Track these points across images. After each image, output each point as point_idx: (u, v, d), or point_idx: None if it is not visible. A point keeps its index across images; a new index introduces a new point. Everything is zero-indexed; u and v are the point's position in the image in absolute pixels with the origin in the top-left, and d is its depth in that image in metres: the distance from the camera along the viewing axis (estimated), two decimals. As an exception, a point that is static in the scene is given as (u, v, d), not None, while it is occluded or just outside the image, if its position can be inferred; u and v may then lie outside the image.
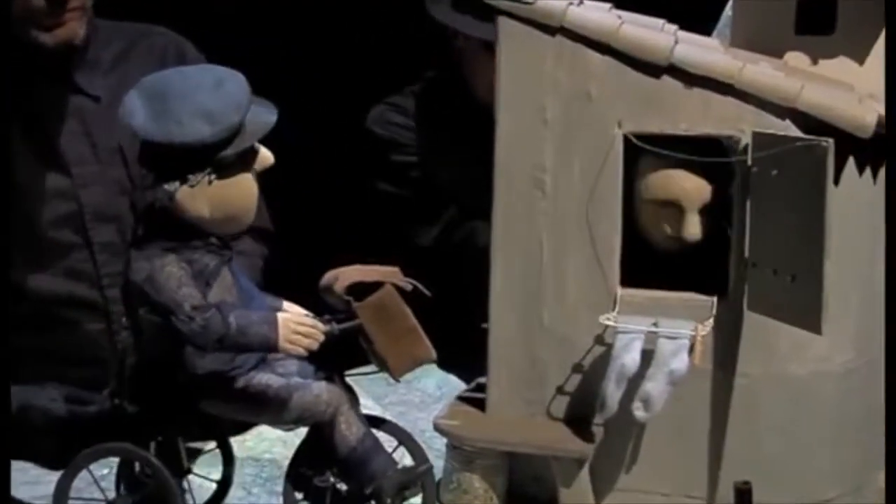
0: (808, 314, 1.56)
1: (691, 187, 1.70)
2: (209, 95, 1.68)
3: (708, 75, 1.65)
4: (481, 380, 1.83)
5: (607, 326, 1.69)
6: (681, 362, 1.64)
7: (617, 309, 1.70)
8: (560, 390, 1.76)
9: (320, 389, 1.75)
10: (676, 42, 1.67)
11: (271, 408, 1.74)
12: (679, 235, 1.72)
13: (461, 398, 1.86)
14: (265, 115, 1.72)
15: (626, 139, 1.69)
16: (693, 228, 1.71)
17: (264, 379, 1.75)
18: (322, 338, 1.71)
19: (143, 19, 2.46)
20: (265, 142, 1.74)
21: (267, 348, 1.70)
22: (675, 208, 1.72)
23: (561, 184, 1.72)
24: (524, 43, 1.70)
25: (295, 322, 1.70)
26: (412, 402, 2.62)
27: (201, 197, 1.69)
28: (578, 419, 1.75)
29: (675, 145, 1.67)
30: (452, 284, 1.99)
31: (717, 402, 1.72)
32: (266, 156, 1.74)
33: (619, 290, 1.72)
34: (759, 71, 1.65)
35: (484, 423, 1.78)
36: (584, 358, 1.74)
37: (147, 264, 1.70)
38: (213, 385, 1.74)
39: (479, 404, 1.81)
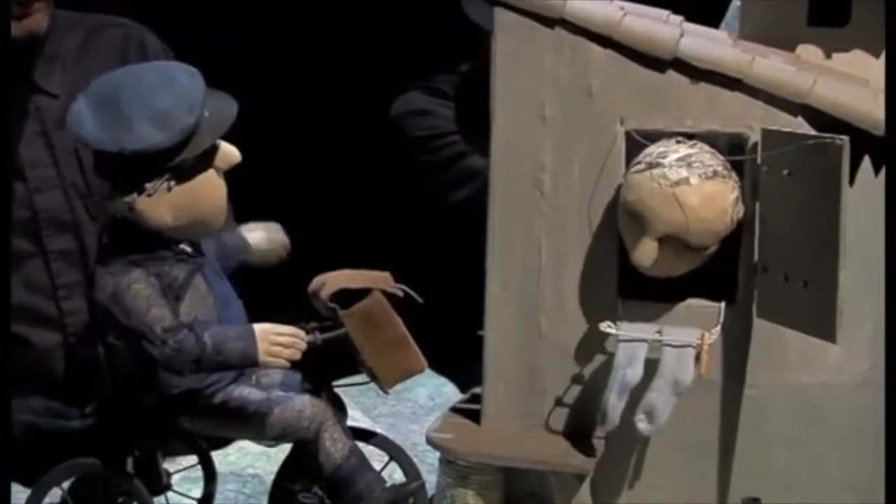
0: (821, 322, 1.52)
1: (662, 209, 1.56)
2: (160, 96, 1.62)
3: (715, 69, 1.62)
4: (476, 390, 1.79)
5: (609, 335, 1.65)
6: (686, 372, 1.61)
7: (619, 316, 1.66)
8: (559, 402, 1.73)
9: (303, 404, 1.70)
10: (682, 34, 1.63)
11: (251, 424, 1.70)
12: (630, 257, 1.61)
13: (455, 410, 1.81)
14: (224, 110, 1.66)
15: (629, 137, 1.65)
16: (644, 253, 1.58)
17: (244, 393, 1.71)
18: (304, 346, 1.67)
19: (144, 20, 2.40)
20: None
21: (247, 364, 1.66)
22: (637, 221, 1.60)
23: (560, 184, 1.68)
24: (522, 36, 1.67)
25: (274, 332, 1.65)
26: (403, 414, 2.60)
27: (162, 204, 1.64)
28: (579, 432, 1.72)
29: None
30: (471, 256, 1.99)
31: (725, 413, 1.69)
32: (229, 152, 1.68)
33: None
34: (769, 65, 1.61)
35: (479, 437, 1.74)
36: (585, 368, 1.71)
37: (112, 280, 1.65)
38: (189, 403, 1.69)
39: (475, 416, 1.77)
